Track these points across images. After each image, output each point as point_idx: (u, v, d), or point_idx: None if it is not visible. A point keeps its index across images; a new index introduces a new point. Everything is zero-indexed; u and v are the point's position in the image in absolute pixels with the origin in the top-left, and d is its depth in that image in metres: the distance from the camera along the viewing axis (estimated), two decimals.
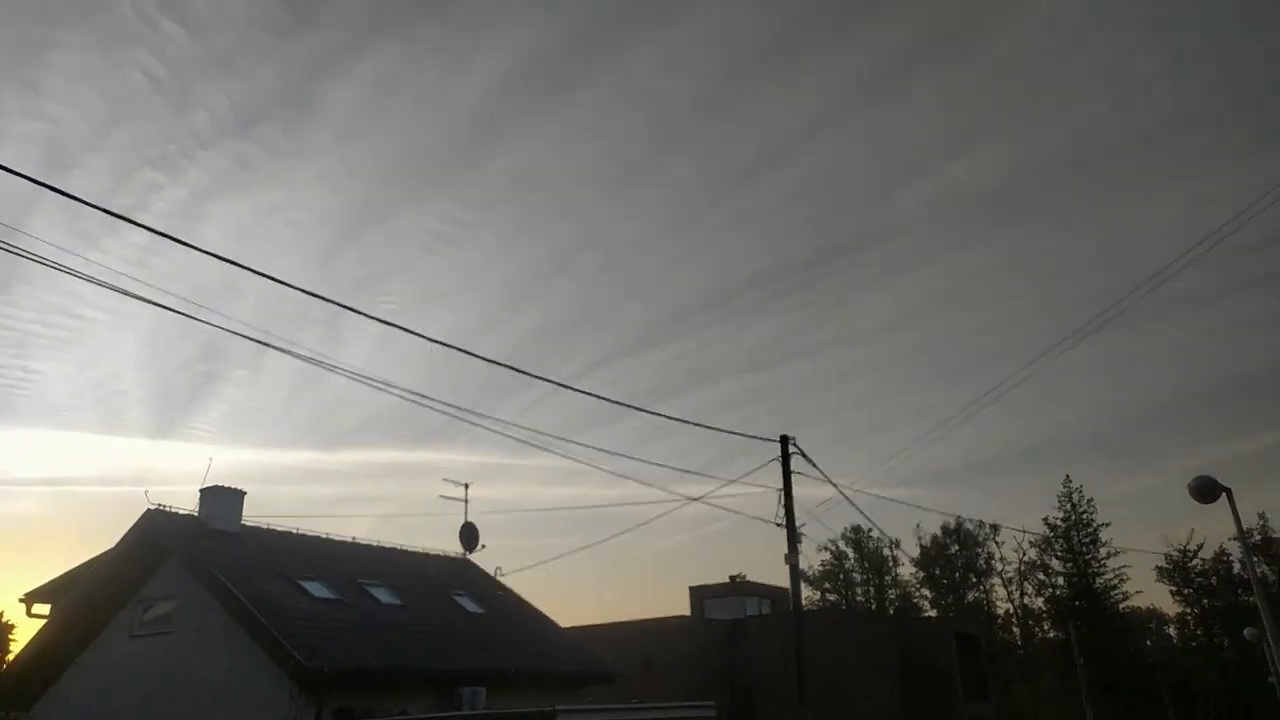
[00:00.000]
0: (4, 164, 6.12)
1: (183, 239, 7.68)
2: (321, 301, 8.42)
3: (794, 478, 17.82)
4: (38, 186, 6.65)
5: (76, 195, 6.45)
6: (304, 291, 8.74)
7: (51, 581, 17.55)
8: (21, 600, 17.40)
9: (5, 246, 6.68)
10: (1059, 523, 59.84)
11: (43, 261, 6.89)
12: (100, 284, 7.49)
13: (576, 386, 18.32)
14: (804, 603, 39.71)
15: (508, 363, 11.72)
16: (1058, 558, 60.81)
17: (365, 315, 10.14)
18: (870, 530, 73.15)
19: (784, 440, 18.02)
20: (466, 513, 22.02)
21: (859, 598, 74.79)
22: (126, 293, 7.69)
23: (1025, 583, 66.79)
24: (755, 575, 40.95)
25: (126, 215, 6.65)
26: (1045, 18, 76.01)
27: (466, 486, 21.95)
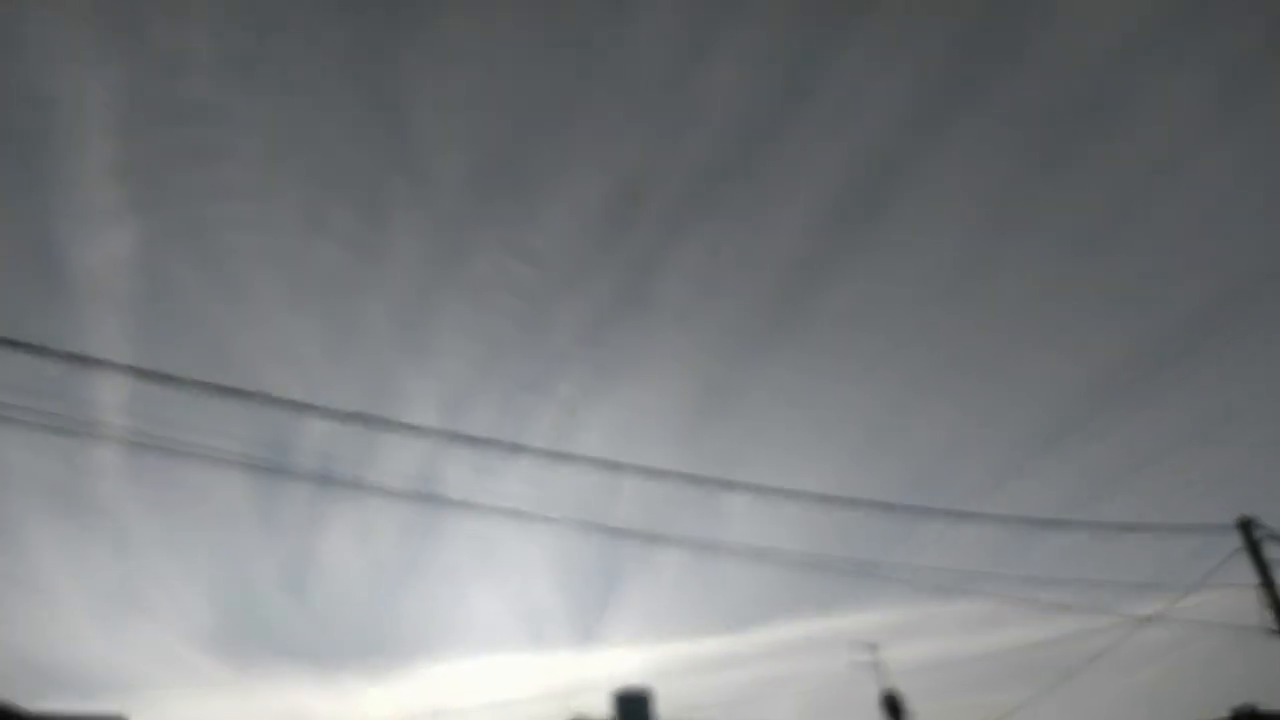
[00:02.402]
0: (414, 424, 7.53)
1: (563, 451, 8.71)
2: (695, 481, 8.98)
3: (1277, 567, 14.95)
4: (440, 435, 7.99)
5: (474, 435, 7.67)
6: (674, 474, 9.38)
7: None
8: None
9: (430, 497, 8.08)
10: None
11: (458, 503, 8.20)
12: (503, 511, 8.69)
13: (978, 512, 17.20)
14: None
15: (897, 502, 11.47)
16: None
17: (736, 485, 10.57)
18: None
19: (1244, 525, 15.34)
20: (883, 677, 21.02)
21: None
22: (526, 514, 8.81)
23: None
24: (1274, 701, 33.66)
25: (514, 443, 7.75)
26: None
27: (875, 648, 21.10)
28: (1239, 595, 15.28)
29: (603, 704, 18.91)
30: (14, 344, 7.08)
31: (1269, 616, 14.77)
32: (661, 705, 18.88)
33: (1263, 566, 15.03)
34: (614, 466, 9.05)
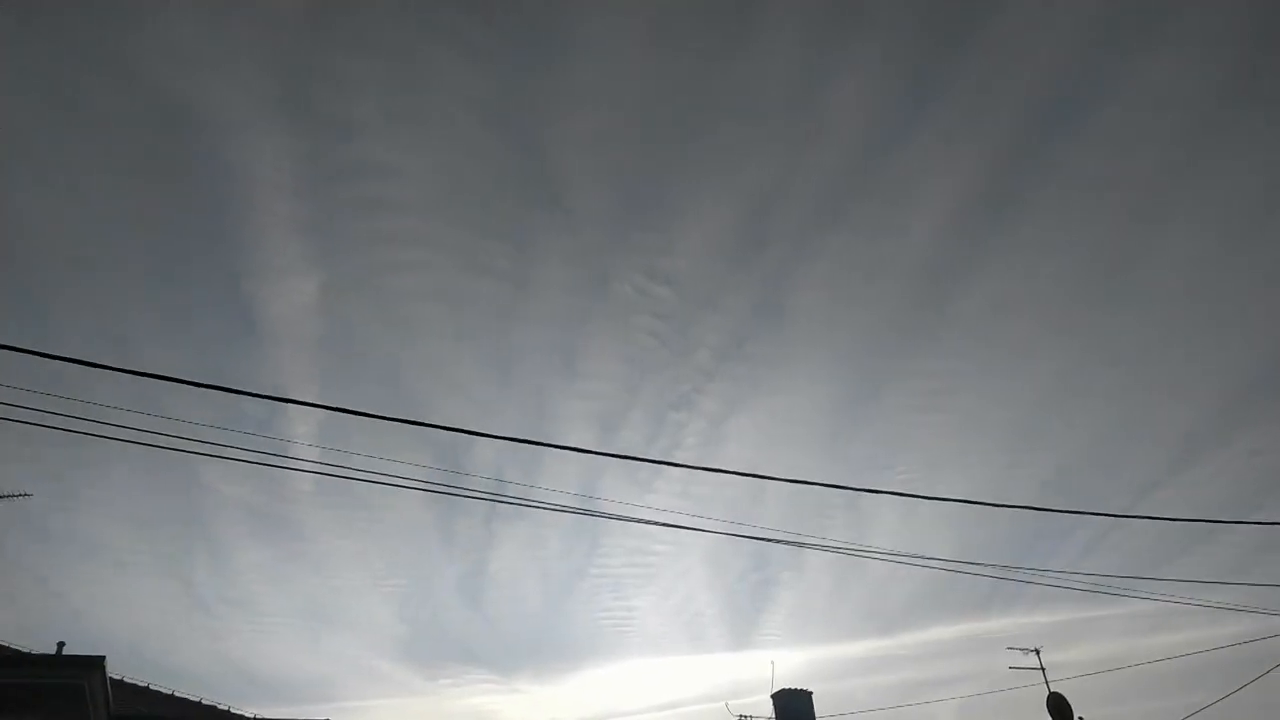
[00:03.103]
0: (574, 446, 8.11)
1: (708, 466, 9.12)
2: (838, 490, 9.20)
3: None
4: (596, 455, 8.55)
5: (625, 454, 8.20)
6: (812, 484, 9.63)
7: None
8: None
9: (587, 512, 8.66)
10: None
11: (615, 517, 8.75)
12: (656, 524, 9.19)
13: (1134, 514, 16.61)
14: None
15: (1045, 506, 11.29)
16: None
17: (876, 491, 10.69)
18: None
19: None
20: (1047, 681, 20.37)
21: None
22: (676, 525, 9.28)
23: None
24: None
25: (662, 459, 8.21)
26: None
27: (1037, 652, 20.47)
28: None
29: (761, 704, 19.21)
30: (220, 388, 8.01)
31: None
32: (819, 706, 19.02)
33: None
34: (758, 477, 9.38)
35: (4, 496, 15.45)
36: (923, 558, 12.08)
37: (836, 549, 11.09)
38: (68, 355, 7.16)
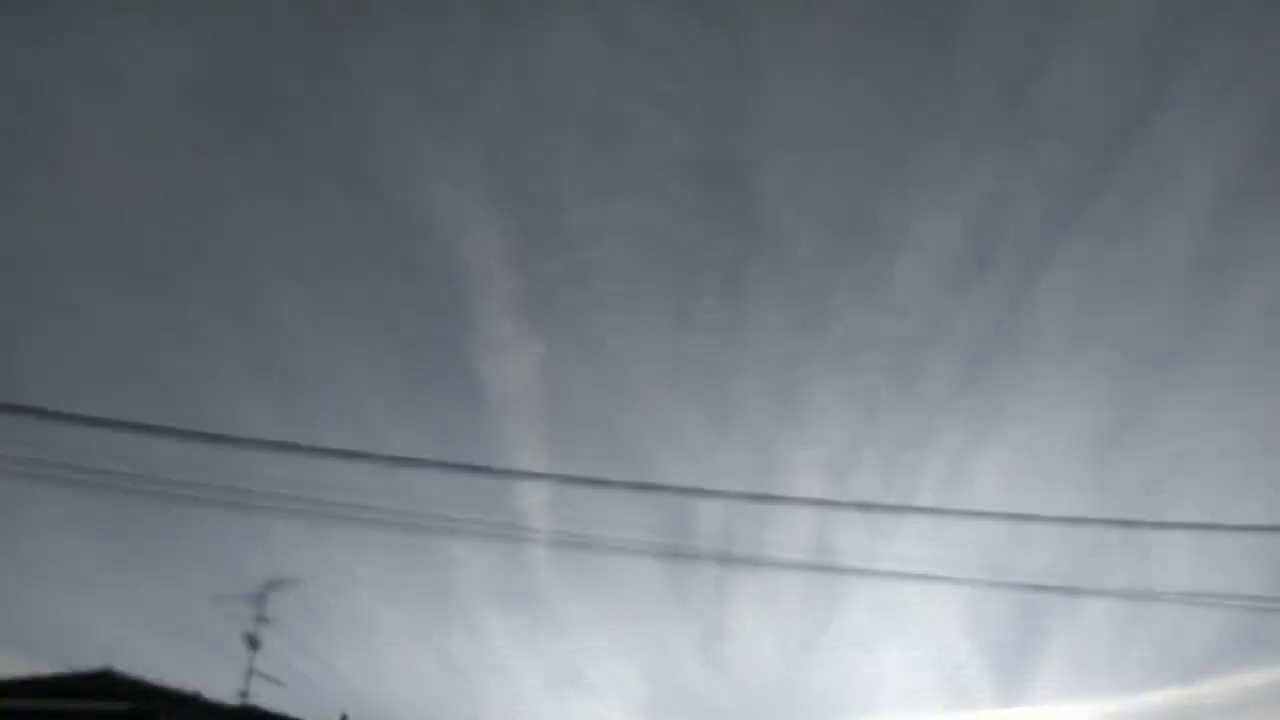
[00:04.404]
0: (801, 496, 7.83)
1: (950, 508, 8.52)
2: (1118, 526, 8.30)
3: None
4: (818, 505, 8.22)
5: (861, 501, 7.82)
6: (1082, 520, 8.75)
7: None
8: None
9: (823, 567, 8.32)
10: None
11: (853, 570, 8.34)
12: (905, 576, 8.65)
13: None
14: None
15: None
16: None
17: (1136, 524, 9.58)
18: None
19: None
20: None
21: None
22: (922, 576, 8.70)
23: None
24: None
25: (901, 505, 7.76)
26: None
27: None
28: None
29: None
30: (457, 466, 8.40)
31: None
32: None
33: None
34: (1011, 518, 8.64)
35: (285, 581, 17.06)
36: (1222, 597, 10.62)
37: (1118, 594, 9.96)
38: (328, 447, 7.80)
